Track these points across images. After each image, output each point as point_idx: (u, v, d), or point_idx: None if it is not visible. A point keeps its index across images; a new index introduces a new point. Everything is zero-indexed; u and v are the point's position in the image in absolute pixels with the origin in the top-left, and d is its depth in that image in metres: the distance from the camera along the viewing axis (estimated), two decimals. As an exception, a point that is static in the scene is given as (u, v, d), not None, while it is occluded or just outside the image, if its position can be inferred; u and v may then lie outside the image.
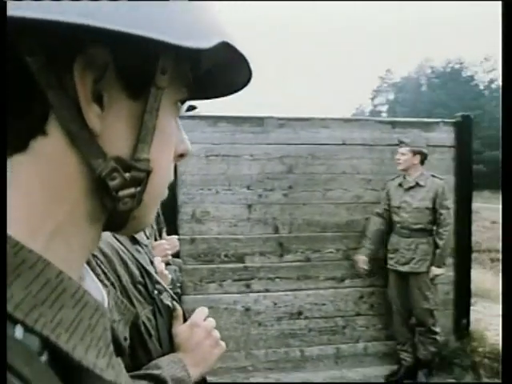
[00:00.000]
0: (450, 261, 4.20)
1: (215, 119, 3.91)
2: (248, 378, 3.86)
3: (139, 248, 0.95)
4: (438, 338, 3.85)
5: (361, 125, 4.17)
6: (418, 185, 3.76)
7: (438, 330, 3.84)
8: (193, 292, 3.85)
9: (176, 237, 2.72)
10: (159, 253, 1.90)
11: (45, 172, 0.36)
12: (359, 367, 4.08)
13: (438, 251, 3.70)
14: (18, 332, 0.30)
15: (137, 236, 0.96)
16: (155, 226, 2.25)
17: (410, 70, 66.79)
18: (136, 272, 0.88)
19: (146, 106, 0.39)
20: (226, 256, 3.96)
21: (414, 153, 3.74)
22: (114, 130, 0.38)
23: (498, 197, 28.46)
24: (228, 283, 3.96)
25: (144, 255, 0.95)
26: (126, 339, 0.45)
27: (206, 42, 0.37)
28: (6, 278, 0.30)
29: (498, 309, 5.75)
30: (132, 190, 0.40)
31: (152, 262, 0.99)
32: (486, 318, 5.13)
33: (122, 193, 0.39)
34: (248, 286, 4.00)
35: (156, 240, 2.19)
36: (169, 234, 2.96)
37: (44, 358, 0.32)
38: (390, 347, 4.16)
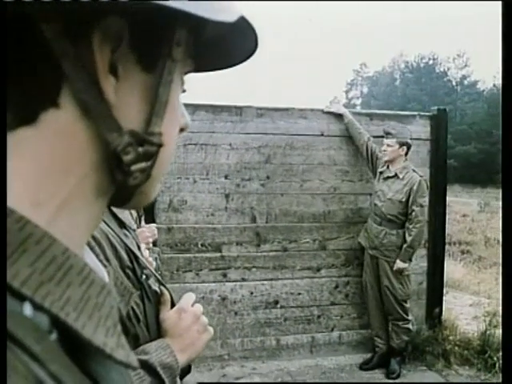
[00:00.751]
0: (423, 252, 4.29)
1: (194, 107, 3.87)
2: (224, 367, 3.88)
3: (127, 232, 0.94)
4: (410, 326, 3.93)
5: (339, 116, 4.19)
6: (396, 176, 3.80)
7: (410, 318, 3.92)
8: (169, 281, 3.82)
9: (154, 225, 2.70)
10: (142, 240, 1.88)
11: (54, 145, 0.34)
12: (334, 356, 4.14)
13: (404, 246, 3.73)
14: (27, 309, 0.29)
15: (125, 220, 0.94)
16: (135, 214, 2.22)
17: (384, 65, 67.55)
18: (125, 256, 0.86)
19: (161, 79, 0.38)
20: (202, 245, 3.95)
21: (401, 144, 3.78)
22: (127, 103, 0.37)
23: (468, 191, 29.10)
24: (204, 272, 3.95)
25: (132, 240, 0.93)
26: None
27: (230, 16, 0.36)
28: (5, 262, 0.28)
29: (467, 299, 5.92)
30: (143, 165, 0.39)
31: (139, 247, 0.97)
32: (456, 307, 5.27)
33: (134, 167, 0.38)
34: (224, 275, 4.00)
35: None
36: (146, 222, 2.93)
37: (53, 336, 0.31)
38: (364, 336, 4.23)
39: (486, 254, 9.25)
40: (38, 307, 0.29)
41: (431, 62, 57.71)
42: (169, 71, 0.39)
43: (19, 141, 0.33)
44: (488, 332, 4.15)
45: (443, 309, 4.38)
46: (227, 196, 3.99)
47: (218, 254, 3.97)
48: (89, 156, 0.36)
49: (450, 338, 4.11)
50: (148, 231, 2.17)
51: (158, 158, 0.40)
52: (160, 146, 0.40)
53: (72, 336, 0.31)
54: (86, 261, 0.41)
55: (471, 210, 16.24)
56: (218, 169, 3.96)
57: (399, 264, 3.74)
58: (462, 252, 9.52)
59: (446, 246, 4.58)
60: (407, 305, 3.89)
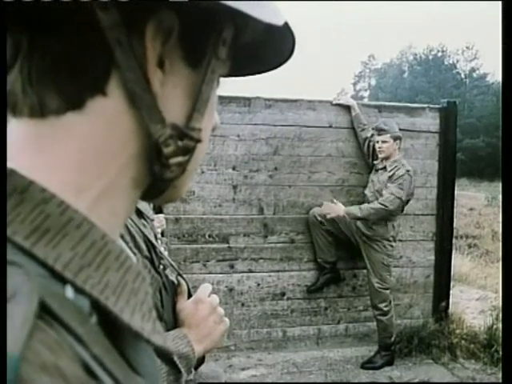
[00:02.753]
0: (431, 245, 4.28)
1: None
2: (230, 358, 3.90)
3: (145, 222, 0.94)
4: (384, 320, 3.80)
5: (347, 108, 4.16)
6: (385, 168, 3.77)
7: (385, 309, 3.78)
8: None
9: (162, 215, 2.71)
10: (151, 230, 1.88)
11: (98, 133, 0.36)
12: (340, 348, 4.14)
13: (361, 205, 3.71)
14: (69, 292, 0.30)
15: (143, 210, 0.95)
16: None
17: (392, 57, 67.11)
18: (143, 246, 0.86)
19: (205, 76, 0.40)
20: (210, 236, 3.96)
21: (395, 138, 3.73)
22: (171, 97, 0.38)
23: (475, 184, 28.97)
24: (212, 263, 3.96)
25: (149, 230, 0.94)
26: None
27: (277, 18, 0.37)
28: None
29: (474, 293, 5.91)
30: (180, 159, 0.40)
31: (156, 237, 0.97)
32: (463, 301, 5.26)
33: (172, 161, 0.39)
34: (232, 266, 4.01)
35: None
36: (154, 212, 2.94)
37: (93, 319, 0.32)
38: (370, 328, 4.23)
39: (492, 247, 9.22)
40: (78, 290, 0.31)
41: (440, 54, 57.21)
42: (212, 69, 0.40)
43: (65, 126, 0.35)
44: (495, 326, 4.14)
45: (450, 302, 4.37)
46: (235, 187, 3.99)
47: (226, 245, 3.98)
48: (131, 146, 0.37)
49: (457, 331, 4.11)
50: (157, 221, 2.17)
51: (194, 153, 0.42)
52: (198, 141, 0.41)
53: (109, 320, 0.32)
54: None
55: (478, 204, 16.17)
56: (225, 160, 3.95)
57: (348, 209, 3.73)
58: (469, 246, 9.50)
59: (453, 240, 4.56)
60: (384, 296, 3.78)
